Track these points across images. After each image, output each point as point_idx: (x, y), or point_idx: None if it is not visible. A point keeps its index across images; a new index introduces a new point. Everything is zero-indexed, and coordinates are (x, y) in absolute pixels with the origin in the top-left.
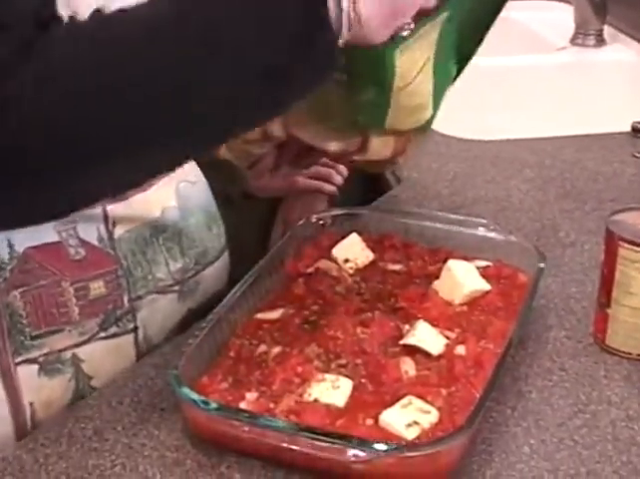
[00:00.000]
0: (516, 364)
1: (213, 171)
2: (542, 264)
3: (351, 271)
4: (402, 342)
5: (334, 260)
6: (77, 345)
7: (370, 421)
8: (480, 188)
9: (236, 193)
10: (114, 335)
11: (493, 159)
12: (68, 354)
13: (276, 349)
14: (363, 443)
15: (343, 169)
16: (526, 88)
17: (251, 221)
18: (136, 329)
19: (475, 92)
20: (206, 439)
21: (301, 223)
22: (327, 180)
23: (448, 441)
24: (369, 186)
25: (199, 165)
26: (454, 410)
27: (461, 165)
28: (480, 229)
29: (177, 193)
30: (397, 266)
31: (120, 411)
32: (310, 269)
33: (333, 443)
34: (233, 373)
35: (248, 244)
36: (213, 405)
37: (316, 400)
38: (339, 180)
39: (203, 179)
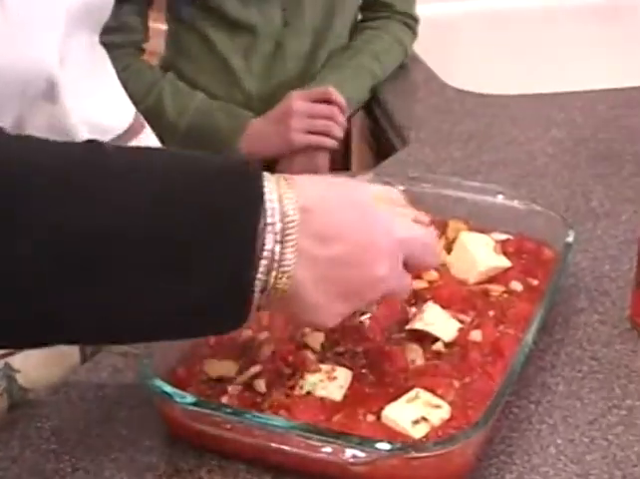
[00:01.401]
0: (541, 352)
1: (197, 137)
2: (571, 238)
3: None
4: (408, 327)
5: None
6: (9, 353)
7: (371, 417)
8: (499, 150)
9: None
10: None
11: (515, 117)
12: None
13: (263, 335)
14: (363, 442)
15: (342, 119)
16: (554, 34)
17: None
18: None
19: (493, 38)
20: (183, 439)
21: None
22: (326, 133)
23: (461, 440)
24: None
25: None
26: (468, 405)
27: (476, 124)
28: (499, 197)
29: None
30: None
31: (81, 408)
32: None
33: (329, 442)
34: (214, 362)
35: None
36: (191, 400)
37: (309, 393)
38: (339, 132)
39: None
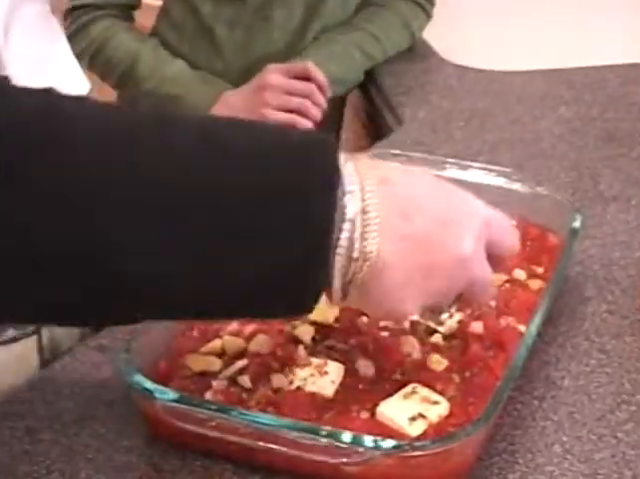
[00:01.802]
0: (546, 345)
1: (167, 104)
2: (578, 223)
3: None
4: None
5: None
6: None
7: (365, 414)
8: (502, 130)
9: None
10: (13, 340)
11: (519, 94)
12: None
13: (250, 327)
14: (356, 441)
15: (320, 98)
16: (560, 6)
17: None
18: (38, 332)
19: (495, 10)
20: (165, 438)
21: None
22: (302, 113)
23: (460, 438)
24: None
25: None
26: (468, 401)
27: (478, 101)
28: (502, 179)
29: None
30: None
31: (57, 406)
32: None
33: (320, 441)
34: (197, 356)
35: None
36: (173, 396)
37: (299, 389)
38: (315, 112)
39: None
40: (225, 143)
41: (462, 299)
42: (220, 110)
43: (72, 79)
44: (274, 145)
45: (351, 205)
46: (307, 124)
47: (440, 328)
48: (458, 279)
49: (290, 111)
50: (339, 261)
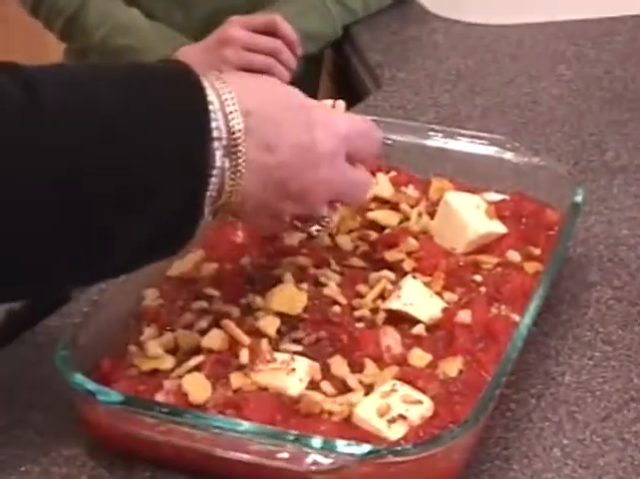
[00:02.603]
0: (544, 336)
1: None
2: (580, 197)
3: None
4: (383, 307)
5: None
6: None
7: (337, 416)
8: (494, 92)
9: None
10: None
11: (514, 51)
12: None
13: (207, 319)
14: (328, 446)
15: (289, 57)
16: None
17: None
18: None
19: None
20: (110, 446)
21: None
22: (266, 72)
23: (446, 441)
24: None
25: None
26: (454, 399)
27: (467, 60)
28: (494, 148)
29: None
30: (375, 202)
31: None
32: None
33: (286, 447)
34: (147, 354)
35: None
36: (118, 398)
37: (263, 388)
38: (281, 72)
39: None
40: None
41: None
42: None
43: None
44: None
45: (218, 151)
46: (283, 73)
47: (424, 319)
48: (320, 199)
49: (253, 70)
50: (209, 203)
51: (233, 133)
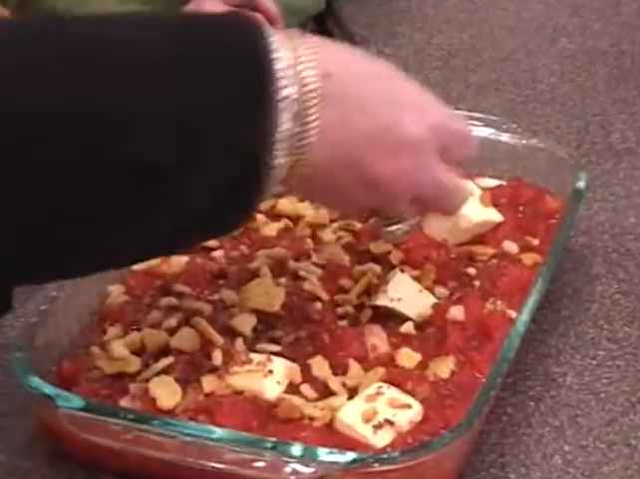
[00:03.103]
0: (544, 334)
1: None
2: (583, 183)
3: (290, 198)
4: (368, 303)
5: None
6: None
7: (319, 422)
8: (489, 68)
9: None
10: None
11: (511, 24)
12: None
13: (176, 317)
14: (308, 454)
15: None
16: None
17: None
18: None
19: None
20: (71, 455)
21: None
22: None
23: (437, 448)
24: None
25: None
26: (446, 403)
27: (460, 34)
28: (489, 129)
29: None
30: None
31: None
32: None
33: (263, 455)
34: (111, 355)
35: None
36: (80, 403)
37: (237, 392)
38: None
39: None
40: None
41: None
42: None
43: None
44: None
45: (286, 112)
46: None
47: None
48: (399, 190)
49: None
50: (274, 173)
51: (306, 93)
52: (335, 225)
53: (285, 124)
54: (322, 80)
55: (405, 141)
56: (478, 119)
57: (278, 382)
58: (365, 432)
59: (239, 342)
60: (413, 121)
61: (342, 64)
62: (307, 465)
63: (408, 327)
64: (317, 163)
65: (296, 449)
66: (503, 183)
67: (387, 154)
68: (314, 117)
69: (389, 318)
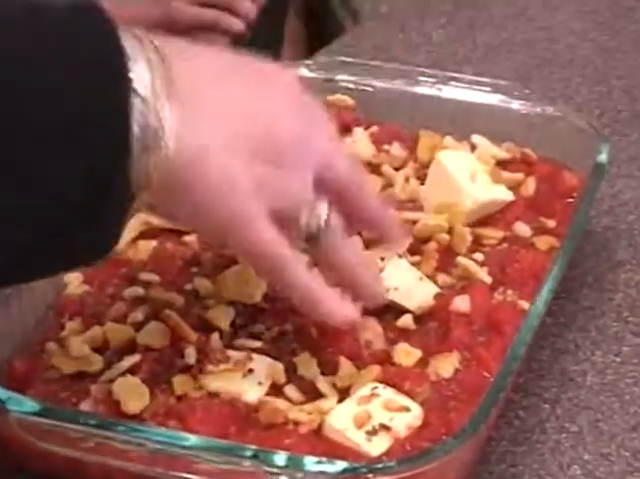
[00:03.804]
0: (560, 328)
1: None
2: (606, 156)
3: None
4: None
5: None
6: None
7: (305, 427)
8: (499, 27)
9: None
10: None
11: None
12: None
13: (143, 309)
14: (293, 463)
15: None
16: None
17: None
18: None
19: None
20: (24, 466)
21: None
22: (229, 8)
23: (438, 457)
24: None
25: None
26: (449, 405)
27: None
28: (499, 96)
29: None
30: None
31: None
32: None
33: (243, 464)
34: (70, 353)
35: None
36: (34, 407)
37: (213, 394)
38: (249, 7)
39: None
40: None
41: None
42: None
43: None
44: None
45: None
46: (235, 25)
47: (412, 308)
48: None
49: (211, 5)
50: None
51: (159, 95)
52: None
53: (137, 126)
54: (177, 81)
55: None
56: (486, 84)
57: (259, 383)
58: (357, 439)
59: (215, 338)
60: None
61: (198, 65)
62: (292, 476)
63: (406, 320)
64: (174, 165)
65: (280, 458)
66: (516, 156)
67: (247, 157)
68: (167, 117)
69: (385, 310)
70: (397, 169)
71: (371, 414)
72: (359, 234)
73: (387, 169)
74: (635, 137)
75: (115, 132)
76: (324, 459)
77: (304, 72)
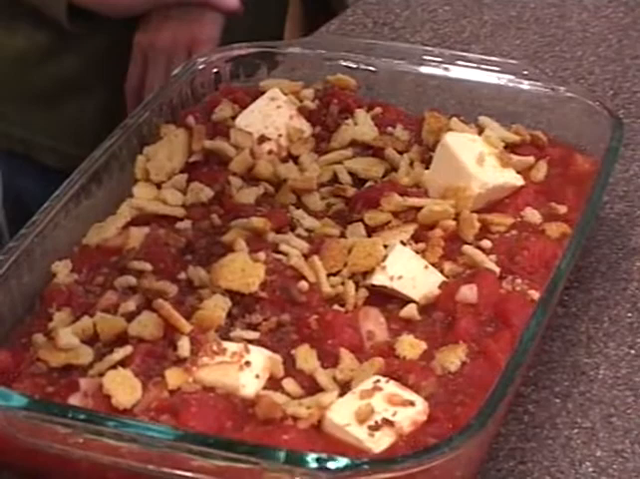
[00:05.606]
0: (572, 319)
1: None
2: (619, 139)
3: (270, 158)
4: (363, 283)
5: (238, 138)
6: None
7: (305, 423)
8: (508, 3)
9: (61, 12)
10: None
11: None
12: None
13: (135, 299)
14: (293, 460)
15: None
16: None
17: (90, 63)
18: None
19: None
20: (11, 463)
21: (177, 71)
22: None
23: (444, 453)
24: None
25: None
26: (455, 400)
27: None
28: (507, 76)
29: None
30: (353, 148)
31: None
32: (195, 157)
33: (239, 461)
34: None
35: (84, 114)
36: (21, 401)
37: (208, 388)
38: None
39: None
40: None
41: None
42: None
43: None
44: None
45: None
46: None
47: (416, 298)
48: None
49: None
50: None
51: None
52: (324, 190)
53: None
54: None
55: None
56: (494, 63)
57: (257, 376)
58: (359, 434)
59: (210, 330)
60: None
61: None
62: (291, 473)
63: (410, 311)
64: None
65: (278, 454)
66: (527, 138)
67: None
68: None
69: (388, 300)
70: (401, 152)
71: (373, 409)
72: (361, 220)
73: (390, 152)
74: None
75: None
76: (324, 455)
77: (303, 50)
